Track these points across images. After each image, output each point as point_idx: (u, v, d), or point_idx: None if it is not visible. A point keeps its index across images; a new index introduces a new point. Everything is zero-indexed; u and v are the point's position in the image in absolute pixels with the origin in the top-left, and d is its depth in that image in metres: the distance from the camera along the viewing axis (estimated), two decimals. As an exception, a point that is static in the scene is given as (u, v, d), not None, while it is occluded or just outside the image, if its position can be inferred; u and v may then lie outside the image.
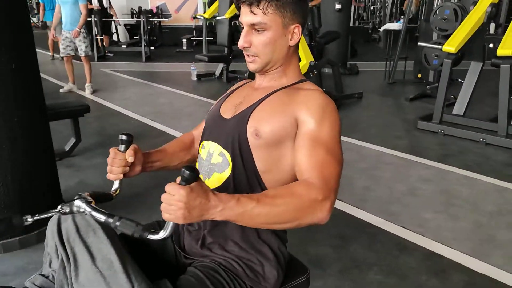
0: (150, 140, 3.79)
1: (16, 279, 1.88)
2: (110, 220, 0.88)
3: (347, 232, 2.38)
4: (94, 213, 0.91)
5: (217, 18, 6.56)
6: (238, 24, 5.32)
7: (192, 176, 0.80)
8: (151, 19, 10.83)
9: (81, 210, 0.93)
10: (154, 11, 11.78)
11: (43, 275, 0.97)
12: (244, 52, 1.09)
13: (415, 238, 2.32)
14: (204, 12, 8.64)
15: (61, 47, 5.55)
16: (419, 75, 6.68)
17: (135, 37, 10.38)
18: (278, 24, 1.03)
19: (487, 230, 2.40)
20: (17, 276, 1.94)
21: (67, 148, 3.50)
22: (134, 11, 11.21)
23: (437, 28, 5.01)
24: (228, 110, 1.13)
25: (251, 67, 1.09)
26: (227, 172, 1.07)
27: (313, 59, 5.28)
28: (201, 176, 0.84)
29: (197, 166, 1.17)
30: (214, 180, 1.09)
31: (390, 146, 3.79)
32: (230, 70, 6.75)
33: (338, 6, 7.05)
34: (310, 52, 5.30)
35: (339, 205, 2.67)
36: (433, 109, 4.28)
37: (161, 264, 1.17)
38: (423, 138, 4.09)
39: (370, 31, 12.71)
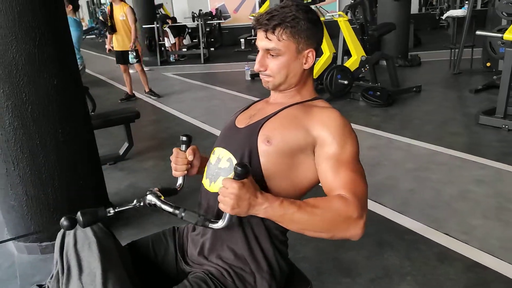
0: (196, 142, 3.90)
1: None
2: (177, 211, 1.00)
3: (383, 238, 2.28)
4: (164, 206, 1.02)
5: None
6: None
7: (243, 172, 0.90)
8: (210, 21, 11.15)
9: (152, 203, 1.04)
10: (214, 12, 12.10)
11: (40, 285, 1.06)
12: (260, 74, 1.15)
13: (458, 246, 2.16)
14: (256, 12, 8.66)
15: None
16: (488, 64, 6.16)
17: (194, 40, 10.74)
18: (292, 50, 1.08)
19: (544, 240, 2.16)
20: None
21: (121, 152, 3.73)
22: (195, 14, 11.60)
23: (503, 13, 4.58)
24: (242, 121, 1.19)
25: (265, 85, 1.16)
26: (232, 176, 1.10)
27: (364, 54, 5.11)
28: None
29: (205, 170, 1.21)
30: (219, 183, 1.12)
31: (445, 144, 3.54)
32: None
33: (396, -5, 6.71)
34: (361, 46, 5.13)
35: (378, 209, 2.56)
36: (499, 102, 3.91)
37: (163, 272, 1.22)
38: (484, 134, 3.76)
39: (437, 18, 11.92)
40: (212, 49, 11.09)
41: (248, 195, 0.90)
